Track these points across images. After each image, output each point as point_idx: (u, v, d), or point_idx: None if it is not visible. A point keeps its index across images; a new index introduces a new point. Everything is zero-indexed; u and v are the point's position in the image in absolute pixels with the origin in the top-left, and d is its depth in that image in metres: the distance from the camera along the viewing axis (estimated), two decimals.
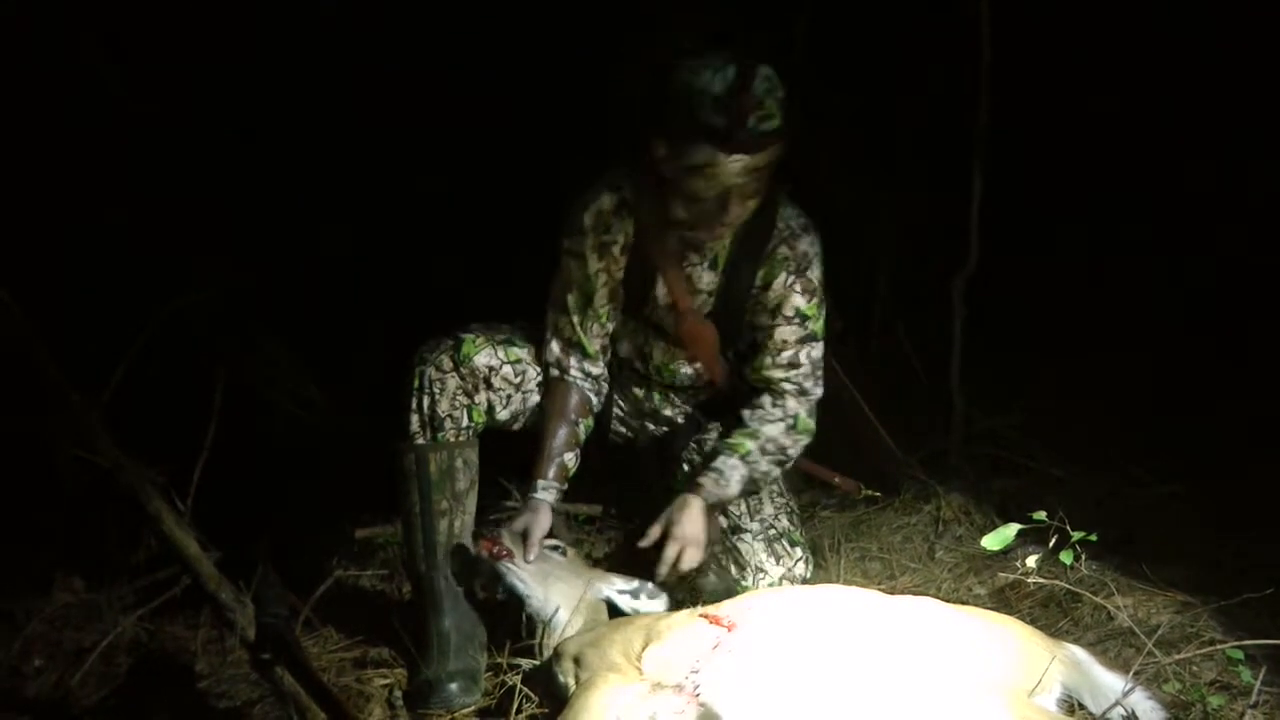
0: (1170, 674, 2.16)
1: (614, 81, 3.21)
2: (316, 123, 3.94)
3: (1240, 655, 2.20)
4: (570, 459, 2.67)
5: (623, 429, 2.93)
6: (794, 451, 2.78)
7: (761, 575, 2.72)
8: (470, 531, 2.61)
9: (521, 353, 2.69)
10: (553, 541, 2.60)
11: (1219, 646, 2.19)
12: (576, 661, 2.27)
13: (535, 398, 2.72)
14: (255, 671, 2.17)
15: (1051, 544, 2.33)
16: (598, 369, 2.73)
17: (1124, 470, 3.49)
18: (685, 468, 2.89)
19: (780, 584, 2.72)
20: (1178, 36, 4.02)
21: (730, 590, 2.64)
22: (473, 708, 2.39)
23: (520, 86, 4.04)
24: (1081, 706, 2.13)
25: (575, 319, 2.66)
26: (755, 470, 2.70)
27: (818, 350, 2.73)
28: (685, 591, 2.67)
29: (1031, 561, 2.41)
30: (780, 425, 2.72)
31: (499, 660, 2.49)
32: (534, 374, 2.71)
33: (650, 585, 2.54)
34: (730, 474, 2.66)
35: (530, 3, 4.04)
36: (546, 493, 2.61)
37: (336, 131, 3.97)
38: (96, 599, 2.66)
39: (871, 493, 3.47)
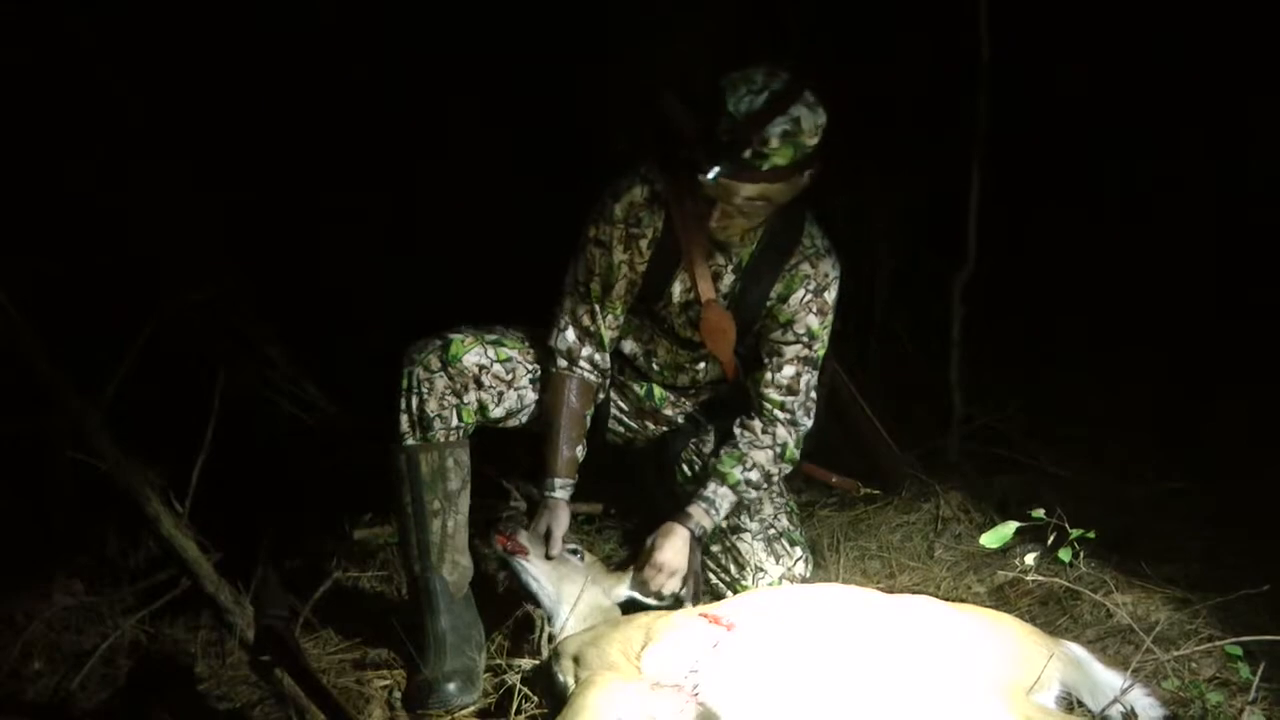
0: (1169, 671, 2.17)
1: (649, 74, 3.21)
2: (317, 122, 3.94)
3: (1239, 652, 2.20)
4: (580, 452, 2.70)
5: (622, 429, 2.93)
6: (777, 478, 2.82)
7: (761, 574, 2.72)
8: (464, 531, 2.61)
9: (512, 351, 2.69)
10: (572, 545, 2.64)
11: (1218, 643, 2.19)
12: (576, 660, 2.27)
13: (530, 394, 2.72)
14: (255, 673, 2.18)
15: (1050, 542, 2.33)
16: (605, 362, 2.74)
17: (1123, 468, 3.49)
18: (684, 469, 2.90)
19: (780, 583, 2.72)
20: (1178, 35, 4.02)
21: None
22: (471, 707, 2.39)
23: (519, 87, 4.04)
24: (1080, 704, 2.14)
25: (596, 308, 2.67)
26: (744, 497, 2.73)
27: (815, 379, 2.75)
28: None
29: (1030, 559, 2.41)
30: (769, 453, 2.73)
31: (498, 661, 2.49)
32: (525, 371, 2.71)
33: None
34: (720, 502, 2.69)
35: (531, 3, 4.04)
36: (564, 490, 2.65)
37: (338, 131, 3.97)
38: (96, 602, 2.66)
39: (871, 491, 3.46)
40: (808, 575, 2.80)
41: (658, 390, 2.89)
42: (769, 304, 2.67)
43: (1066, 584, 2.43)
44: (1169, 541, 3.01)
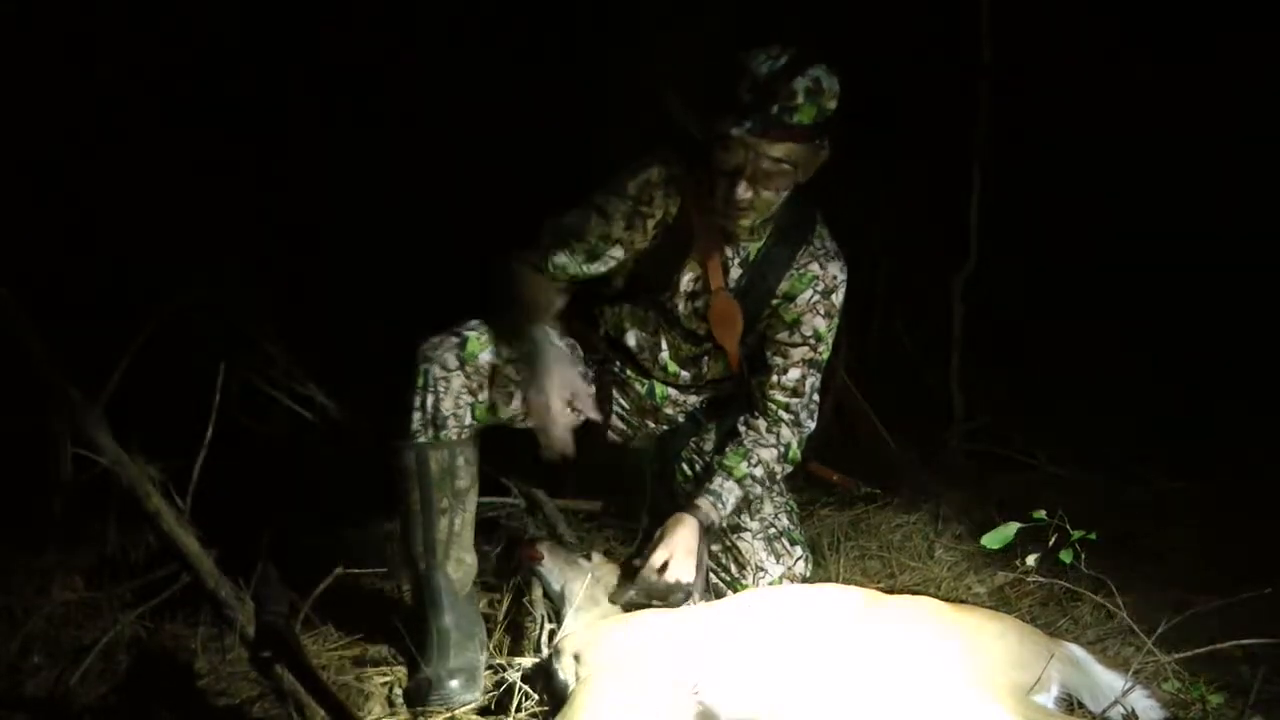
0: (1170, 672, 2.17)
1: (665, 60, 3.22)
2: (319, 121, 3.95)
3: (1240, 654, 2.21)
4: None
5: (623, 426, 2.92)
6: (779, 477, 2.81)
7: (761, 574, 2.72)
8: (470, 529, 2.60)
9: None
10: (596, 555, 2.68)
11: (1219, 645, 2.19)
12: (577, 659, 2.27)
13: None
14: (255, 669, 2.17)
15: (1051, 542, 2.33)
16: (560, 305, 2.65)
17: (1124, 469, 3.49)
18: (684, 468, 2.89)
19: (780, 582, 2.72)
20: (1178, 37, 4.03)
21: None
22: (472, 705, 2.39)
23: (519, 86, 4.04)
24: (1081, 705, 2.14)
25: (567, 260, 2.59)
26: (750, 493, 2.72)
27: (818, 382, 2.75)
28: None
29: (1031, 560, 2.41)
30: (774, 451, 2.72)
31: (498, 659, 2.49)
32: None
33: None
34: (727, 497, 2.67)
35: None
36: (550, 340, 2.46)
37: (339, 130, 3.97)
38: (96, 597, 2.66)
39: (871, 490, 3.47)
40: (808, 574, 2.80)
41: (659, 388, 2.89)
42: (775, 301, 2.67)
43: (1067, 585, 2.43)
44: (1170, 543, 3.02)
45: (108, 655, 2.49)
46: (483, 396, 2.57)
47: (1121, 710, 2.07)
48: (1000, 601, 2.80)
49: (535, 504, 3.28)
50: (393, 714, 2.34)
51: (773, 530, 2.79)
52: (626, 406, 2.90)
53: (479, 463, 2.62)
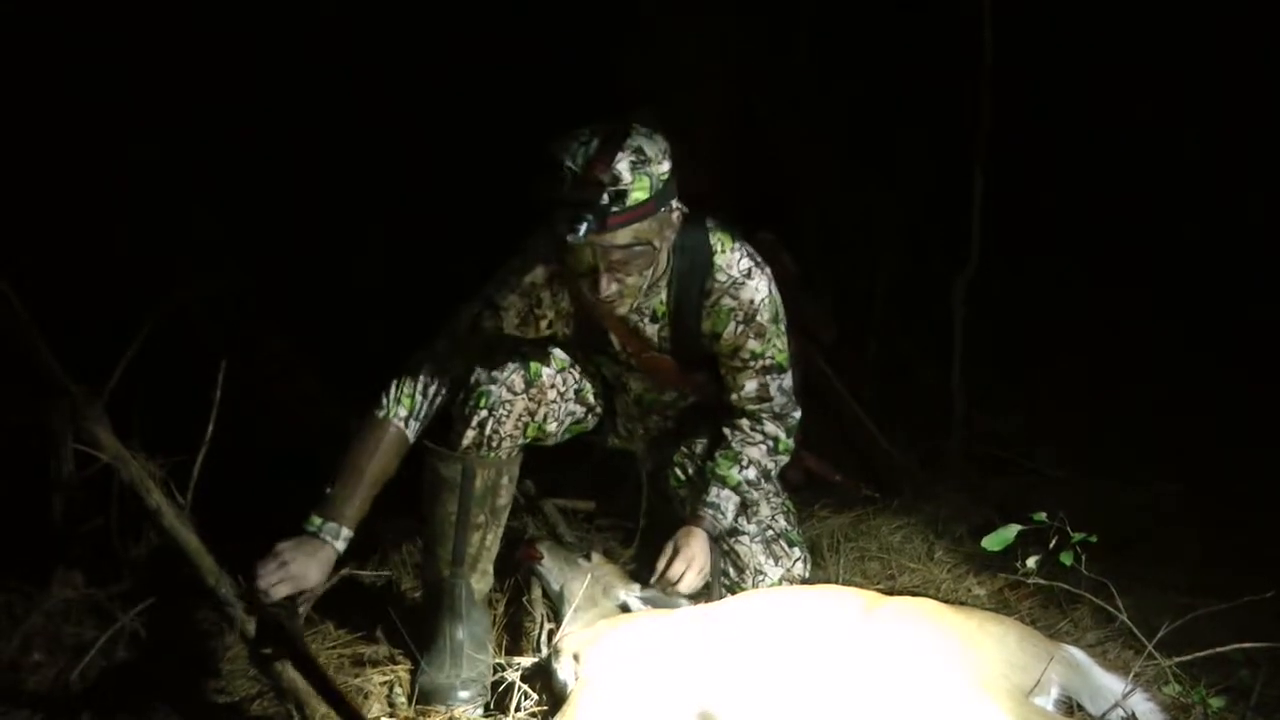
0: (1170, 676, 2.17)
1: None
2: (320, 119, 3.94)
3: (1241, 657, 2.21)
4: (368, 508, 2.43)
5: (620, 428, 2.92)
6: (774, 472, 2.78)
7: (760, 576, 2.71)
8: (498, 544, 2.58)
9: (564, 357, 2.61)
10: (595, 555, 2.67)
11: (1219, 649, 2.19)
12: (576, 658, 2.27)
13: (574, 405, 2.65)
14: (255, 666, 2.17)
15: (1051, 545, 2.33)
16: (419, 428, 2.51)
17: (1124, 471, 3.49)
18: (677, 471, 2.89)
19: (779, 584, 2.72)
20: (1177, 36, 4.03)
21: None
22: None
23: (517, 85, 4.05)
24: (1080, 708, 2.14)
25: (445, 379, 2.48)
26: (746, 497, 2.72)
27: (787, 379, 2.68)
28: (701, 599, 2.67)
29: (1031, 562, 2.41)
30: (762, 448, 2.71)
31: (498, 660, 2.49)
32: (573, 379, 2.63)
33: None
34: (725, 505, 2.67)
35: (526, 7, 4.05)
36: (343, 542, 2.37)
37: (340, 128, 3.97)
38: (96, 593, 2.65)
39: (871, 493, 3.47)
40: (807, 576, 2.79)
41: (644, 400, 2.88)
42: (704, 340, 2.59)
43: (1067, 587, 2.43)
44: (1171, 545, 3.03)
45: (108, 652, 2.49)
46: (540, 415, 2.54)
47: (1121, 713, 2.07)
48: (1000, 604, 2.81)
49: (534, 504, 3.28)
50: (392, 714, 2.34)
51: (770, 532, 2.79)
52: (619, 410, 2.89)
53: (518, 480, 2.60)
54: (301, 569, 2.24)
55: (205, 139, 3.69)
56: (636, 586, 2.60)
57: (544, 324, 2.54)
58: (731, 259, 2.52)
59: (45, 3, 3.37)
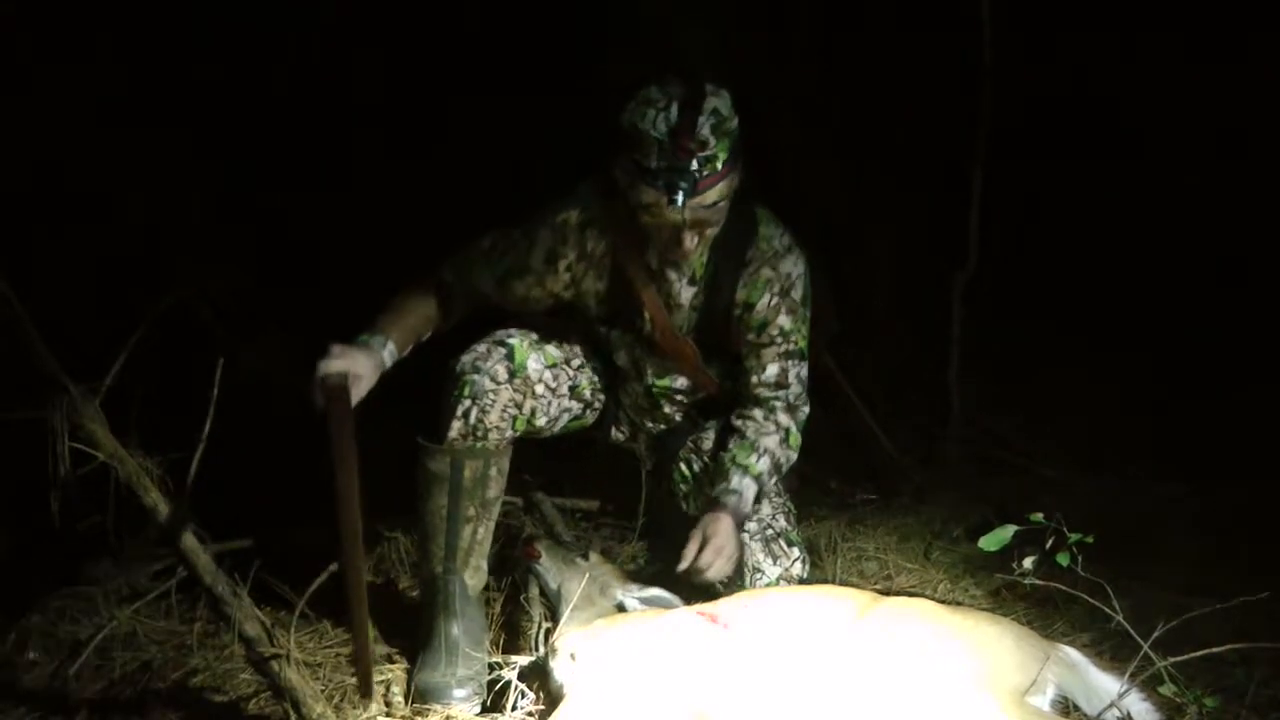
0: (1166, 676, 2.16)
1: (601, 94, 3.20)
2: (320, 115, 3.95)
3: (1236, 658, 2.21)
4: (410, 347, 2.54)
5: (624, 424, 2.93)
6: (785, 466, 2.77)
7: (759, 575, 2.71)
8: (490, 538, 2.59)
9: (556, 354, 2.64)
10: (593, 555, 2.67)
11: (1215, 649, 2.19)
12: (573, 658, 2.27)
13: (569, 401, 2.68)
14: (251, 665, 2.17)
15: (1048, 545, 2.34)
16: (450, 321, 2.65)
17: (1121, 472, 3.50)
18: (682, 468, 2.89)
19: (777, 583, 2.72)
20: (1177, 36, 4.03)
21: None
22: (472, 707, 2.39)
23: (518, 84, 4.04)
24: (1076, 708, 2.14)
25: (482, 279, 2.58)
26: (764, 487, 2.71)
27: (804, 369, 2.71)
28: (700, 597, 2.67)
29: (1028, 563, 2.41)
30: (775, 437, 2.71)
31: (495, 659, 2.49)
32: (567, 375, 2.67)
33: (665, 594, 2.54)
34: (747, 493, 2.65)
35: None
36: (389, 354, 2.46)
37: (340, 125, 3.97)
38: (92, 591, 2.66)
39: (868, 496, 3.47)
40: (805, 576, 2.79)
41: (653, 392, 2.89)
42: (736, 311, 2.62)
43: (1063, 588, 2.43)
44: (1167, 546, 3.03)
45: (104, 650, 2.49)
46: (526, 408, 2.56)
47: (1117, 713, 2.07)
48: (997, 604, 2.81)
49: (533, 502, 3.28)
50: (389, 713, 2.33)
51: (770, 531, 2.78)
52: (626, 404, 2.90)
53: (509, 472, 2.61)
54: (352, 358, 2.33)
55: (205, 138, 3.69)
56: (634, 586, 2.59)
57: (563, 265, 2.54)
58: (774, 231, 2.60)
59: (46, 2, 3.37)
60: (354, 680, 2.45)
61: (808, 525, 3.25)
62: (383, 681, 2.47)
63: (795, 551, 2.79)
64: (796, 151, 4.06)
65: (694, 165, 2.25)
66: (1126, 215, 4.28)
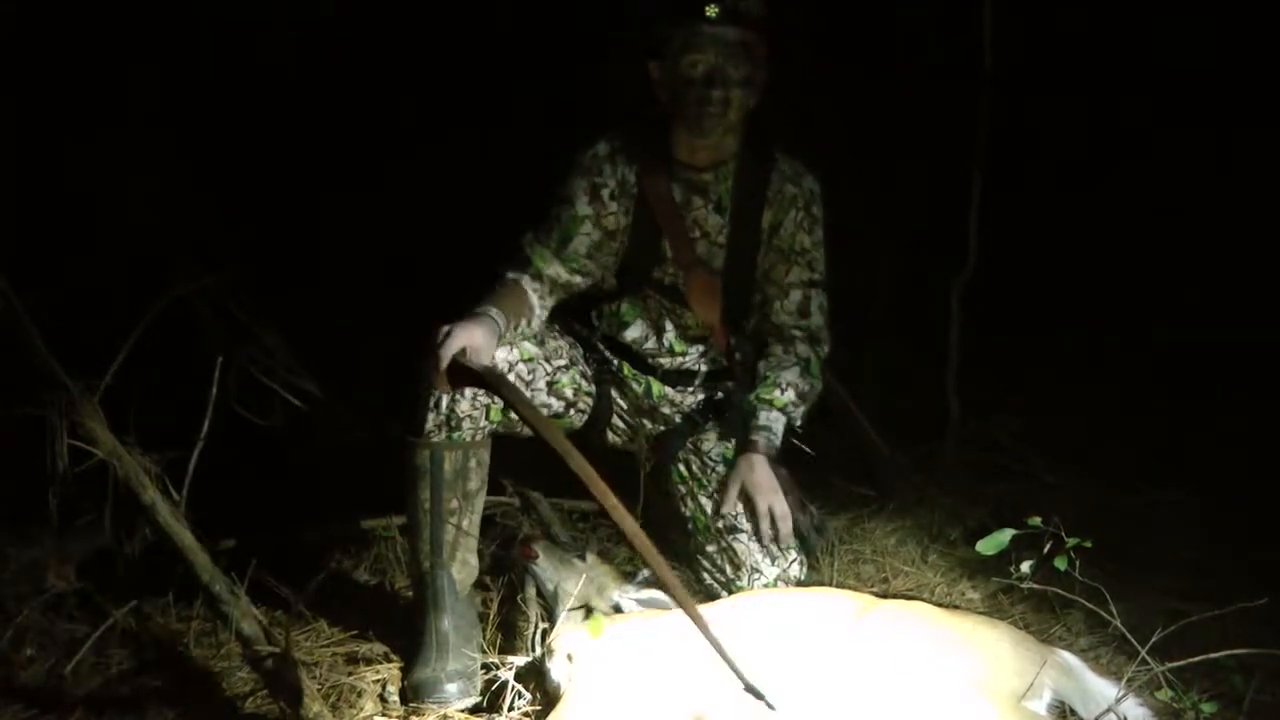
0: (1163, 681, 2.17)
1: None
2: (320, 114, 3.94)
3: (1233, 663, 2.21)
4: (516, 325, 2.57)
5: (622, 426, 2.93)
6: (811, 396, 2.80)
7: (757, 576, 2.72)
8: (476, 531, 2.59)
9: (535, 350, 2.64)
10: (590, 555, 2.67)
11: (1212, 655, 2.19)
12: (569, 658, 2.27)
13: (546, 397, 2.68)
14: (248, 664, 2.17)
15: (1045, 549, 2.34)
16: (546, 306, 2.71)
17: (1119, 477, 3.49)
18: (680, 468, 2.89)
19: (775, 585, 2.72)
20: (1175, 36, 4.04)
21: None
22: (466, 706, 2.39)
23: (517, 83, 4.04)
24: (1073, 713, 2.14)
25: (551, 256, 2.67)
26: (792, 419, 2.75)
27: (826, 301, 2.80)
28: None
29: (1025, 567, 2.41)
30: (796, 369, 2.75)
31: (491, 659, 2.49)
32: (544, 371, 2.67)
33: (663, 595, 2.54)
34: (775, 426, 2.70)
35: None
36: (495, 317, 2.46)
37: (340, 124, 3.97)
38: (90, 589, 2.66)
39: (866, 494, 3.47)
40: (803, 578, 2.79)
41: (656, 387, 2.89)
42: (764, 237, 2.73)
43: (1061, 592, 2.44)
44: (1164, 551, 3.03)
45: (101, 648, 2.49)
46: (498, 400, 2.55)
47: (1114, 718, 2.07)
48: (994, 608, 2.81)
49: (530, 503, 3.28)
50: (385, 712, 2.34)
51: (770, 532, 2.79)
52: (624, 406, 2.91)
53: (489, 465, 2.61)
54: (465, 329, 2.32)
55: (204, 137, 3.69)
56: (631, 587, 2.60)
57: (607, 194, 2.68)
58: (784, 156, 2.76)
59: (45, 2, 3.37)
60: (352, 680, 2.45)
61: None
62: (379, 680, 2.47)
63: (793, 553, 2.79)
64: (794, 153, 4.07)
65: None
66: (1126, 217, 4.27)
